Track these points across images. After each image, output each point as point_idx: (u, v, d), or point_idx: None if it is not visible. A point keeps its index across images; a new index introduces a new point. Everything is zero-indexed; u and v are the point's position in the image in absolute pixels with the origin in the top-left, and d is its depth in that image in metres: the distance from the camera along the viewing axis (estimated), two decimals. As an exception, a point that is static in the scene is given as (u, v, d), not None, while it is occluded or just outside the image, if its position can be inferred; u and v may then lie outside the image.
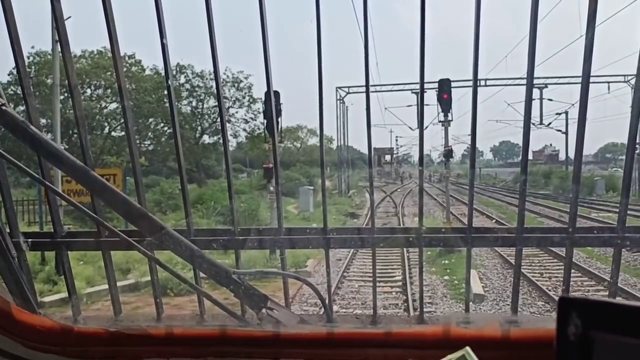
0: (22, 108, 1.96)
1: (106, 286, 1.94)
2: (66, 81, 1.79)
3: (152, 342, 1.57)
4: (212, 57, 1.81)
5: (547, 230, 1.86)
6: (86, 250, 2.26)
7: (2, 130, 1.70)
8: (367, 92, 1.87)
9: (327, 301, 1.84)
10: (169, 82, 1.85)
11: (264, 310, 1.66)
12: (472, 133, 1.82)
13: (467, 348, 1.21)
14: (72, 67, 1.77)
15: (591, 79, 1.70)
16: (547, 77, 36.54)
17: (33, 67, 32.83)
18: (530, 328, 1.54)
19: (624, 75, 36.85)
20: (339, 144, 47.24)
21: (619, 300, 0.84)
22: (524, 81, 1.76)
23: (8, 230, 1.73)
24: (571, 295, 0.87)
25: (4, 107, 1.53)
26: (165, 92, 2.15)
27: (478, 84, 1.82)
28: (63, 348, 1.57)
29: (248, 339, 1.54)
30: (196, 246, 1.67)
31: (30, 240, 1.80)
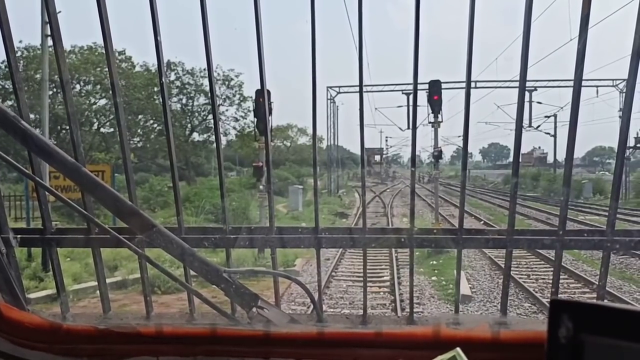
0: (9, 103, 1.94)
1: (93, 283, 1.93)
2: (55, 76, 1.78)
3: (141, 340, 1.56)
4: (206, 56, 1.81)
5: (538, 233, 1.87)
6: (76, 247, 2.24)
7: None
8: (361, 93, 1.87)
9: (317, 301, 1.84)
10: (163, 80, 1.84)
11: (254, 309, 1.66)
12: (465, 136, 1.82)
13: (458, 349, 1.21)
14: (64, 62, 1.75)
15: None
16: (537, 80, 36.71)
17: (22, 61, 32.45)
18: (520, 330, 1.55)
19: (613, 80, 37.27)
20: (329, 144, 47.32)
21: (610, 303, 0.85)
22: (515, 84, 1.77)
23: None
24: (562, 298, 0.88)
25: None
26: (156, 88, 2.13)
27: (470, 86, 1.82)
28: (51, 345, 1.56)
29: (238, 338, 1.53)
30: (187, 244, 1.66)
31: (19, 236, 1.78)
